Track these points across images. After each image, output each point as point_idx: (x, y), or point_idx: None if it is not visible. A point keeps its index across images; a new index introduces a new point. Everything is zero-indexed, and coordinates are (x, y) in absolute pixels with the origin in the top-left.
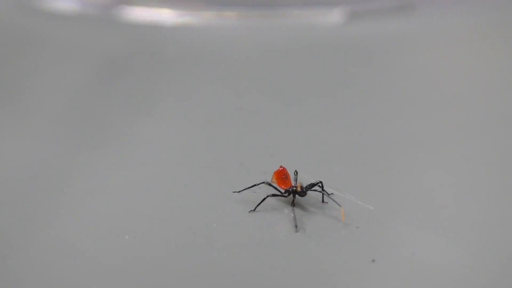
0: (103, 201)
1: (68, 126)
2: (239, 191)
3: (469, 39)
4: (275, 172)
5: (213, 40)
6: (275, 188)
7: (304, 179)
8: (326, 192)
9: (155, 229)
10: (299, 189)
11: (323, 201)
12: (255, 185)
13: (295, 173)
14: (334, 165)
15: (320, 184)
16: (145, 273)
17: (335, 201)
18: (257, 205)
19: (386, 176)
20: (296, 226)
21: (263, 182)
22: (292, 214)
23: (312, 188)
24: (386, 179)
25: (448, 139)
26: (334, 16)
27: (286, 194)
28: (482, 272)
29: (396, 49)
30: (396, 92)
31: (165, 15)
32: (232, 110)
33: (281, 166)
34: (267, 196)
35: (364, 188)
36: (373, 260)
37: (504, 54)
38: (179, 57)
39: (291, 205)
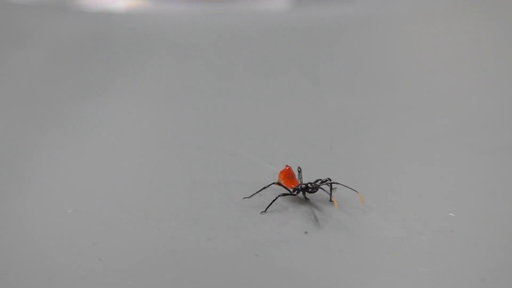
0: (56, 179)
1: (22, 109)
2: (249, 196)
3: (409, 23)
4: (281, 172)
5: (163, 26)
6: (285, 187)
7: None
8: (331, 188)
9: (103, 206)
10: (307, 185)
11: (330, 199)
12: (264, 187)
13: (299, 170)
14: (280, 144)
15: (329, 182)
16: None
17: (350, 188)
18: (268, 206)
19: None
20: (316, 219)
21: (273, 183)
22: (310, 209)
23: (321, 186)
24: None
25: (387, 117)
26: (281, 2)
27: (295, 192)
28: None
29: (340, 33)
30: (342, 72)
31: (117, 2)
32: (181, 92)
33: (287, 166)
34: (278, 196)
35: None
36: None
37: (442, 34)
38: (130, 42)
39: (306, 200)
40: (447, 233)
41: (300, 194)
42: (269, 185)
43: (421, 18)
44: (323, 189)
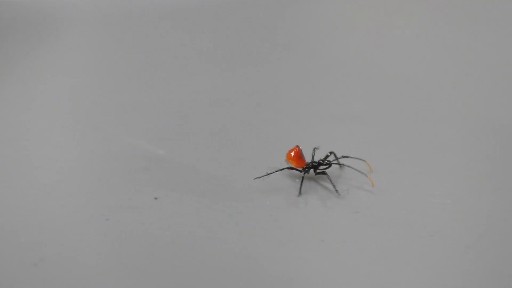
0: None
1: None
2: (260, 177)
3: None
4: (292, 152)
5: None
6: (295, 169)
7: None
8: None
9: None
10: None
11: (340, 166)
12: (277, 171)
13: (314, 150)
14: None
15: (333, 154)
16: None
17: (358, 171)
18: (268, 174)
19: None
20: (300, 192)
21: (289, 168)
22: (301, 183)
23: (327, 159)
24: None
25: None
26: None
27: (303, 171)
28: None
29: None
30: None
31: None
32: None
33: (297, 147)
34: (284, 168)
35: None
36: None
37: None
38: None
39: (303, 174)
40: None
41: (311, 172)
42: (282, 169)
43: None
44: (339, 164)
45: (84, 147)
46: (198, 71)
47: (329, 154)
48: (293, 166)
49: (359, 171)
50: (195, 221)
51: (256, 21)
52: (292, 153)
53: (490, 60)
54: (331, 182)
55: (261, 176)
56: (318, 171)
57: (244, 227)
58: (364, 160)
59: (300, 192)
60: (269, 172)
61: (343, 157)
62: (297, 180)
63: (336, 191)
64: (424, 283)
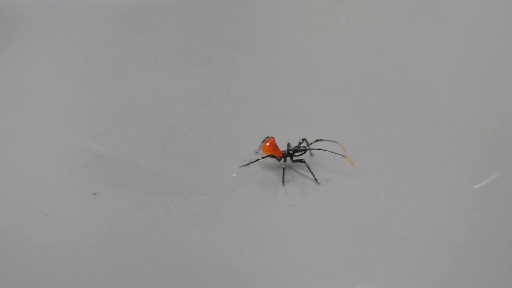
0: None
1: None
2: (246, 165)
3: None
4: (267, 143)
5: None
6: (274, 157)
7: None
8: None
9: None
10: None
11: (311, 153)
12: (258, 159)
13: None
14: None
15: (305, 141)
16: None
17: (336, 153)
18: (251, 162)
19: None
20: (283, 181)
21: (270, 156)
22: (283, 171)
23: (302, 145)
24: None
25: None
26: None
27: (280, 160)
28: None
29: None
30: None
31: None
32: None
33: (271, 137)
34: (265, 157)
35: None
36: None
37: None
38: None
39: (284, 163)
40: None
41: (288, 160)
42: (263, 157)
43: None
44: (321, 149)
45: (25, 144)
46: (140, 69)
47: (301, 141)
48: (272, 155)
49: (336, 153)
50: (134, 216)
51: (199, 20)
52: (268, 144)
53: (420, 48)
54: (310, 170)
55: (246, 164)
56: (294, 158)
57: (182, 221)
58: (336, 142)
59: (283, 182)
60: (252, 160)
61: (316, 141)
62: (244, 177)
63: (315, 179)
64: (358, 274)
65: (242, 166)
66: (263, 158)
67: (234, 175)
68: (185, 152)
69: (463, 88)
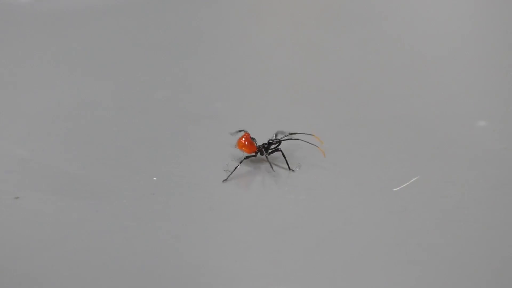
0: None
1: None
2: (226, 178)
3: None
4: (242, 139)
5: None
6: (250, 156)
7: None
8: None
9: None
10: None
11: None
12: (238, 165)
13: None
14: None
15: (279, 133)
16: None
17: (309, 143)
18: (232, 172)
19: None
20: (272, 168)
21: (246, 158)
22: (268, 161)
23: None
24: None
25: None
26: None
27: (256, 155)
28: None
29: None
30: None
31: None
32: None
33: (246, 133)
34: (243, 159)
35: None
36: None
37: None
38: None
39: (267, 155)
40: None
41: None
42: (241, 161)
43: None
44: (296, 139)
45: None
46: (62, 73)
47: (276, 134)
48: (246, 153)
49: (310, 143)
50: (55, 220)
51: (120, 25)
52: (243, 139)
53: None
54: (285, 158)
55: (228, 177)
56: (270, 150)
57: (102, 225)
58: (311, 134)
59: (272, 169)
60: (232, 170)
61: (291, 133)
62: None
63: (289, 167)
64: (278, 275)
65: (224, 180)
66: (241, 162)
67: (155, 178)
68: (107, 156)
69: (382, 92)
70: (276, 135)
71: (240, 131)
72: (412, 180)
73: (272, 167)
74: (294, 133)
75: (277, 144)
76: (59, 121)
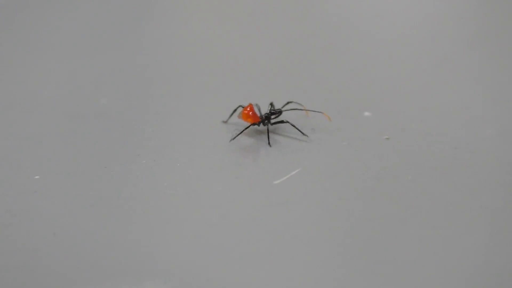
0: None
1: None
2: (234, 137)
3: None
4: (247, 109)
5: None
6: (254, 124)
7: None
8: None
9: None
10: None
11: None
12: (245, 129)
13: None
14: None
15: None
16: None
17: (313, 110)
18: (239, 134)
19: None
20: (269, 142)
21: (252, 124)
22: (268, 134)
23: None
24: None
25: None
26: None
27: (259, 125)
28: None
29: None
30: None
31: None
32: None
33: (249, 104)
34: (249, 126)
35: None
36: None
37: None
38: None
39: (268, 126)
40: None
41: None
42: (246, 128)
43: None
44: (296, 109)
45: None
46: None
47: (270, 105)
48: (251, 123)
49: (312, 110)
50: None
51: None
52: (248, 110)
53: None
54: (295, 126)
55: (234, 137)
56: (273, 121)
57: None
58: (322, 112)
59: (269, 143)
60: (238, 133)
61: (288, 103)
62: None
63: (302, 133)
64: (146, 271)
65: (231, 139)
66: (246, 128)
67: (37, 177)
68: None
69: (267, 83)
70: (271, 105)
71: (238, 107)
72: (292, 173)
73: (269, 141)
74: (290, 102)
75: (279, 114)
76: None
